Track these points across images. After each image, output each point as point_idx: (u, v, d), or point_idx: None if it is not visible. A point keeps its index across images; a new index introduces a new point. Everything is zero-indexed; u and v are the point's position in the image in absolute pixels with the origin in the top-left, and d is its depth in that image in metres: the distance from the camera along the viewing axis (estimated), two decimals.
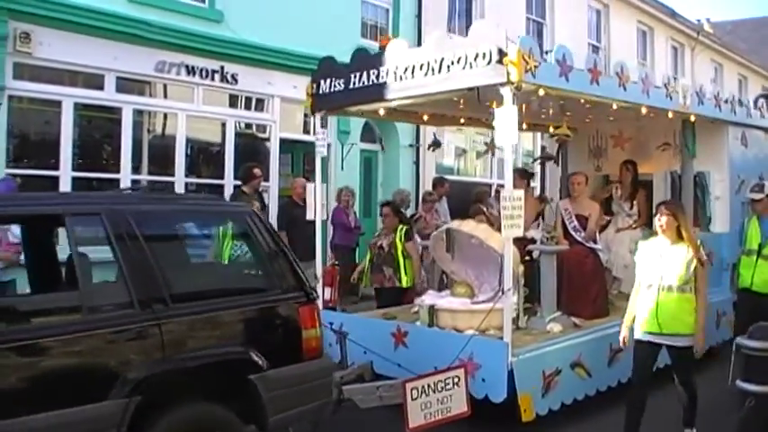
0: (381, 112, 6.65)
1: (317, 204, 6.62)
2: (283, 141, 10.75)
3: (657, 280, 4.95)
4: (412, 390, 4.66)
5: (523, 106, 7.09)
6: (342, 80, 6.27)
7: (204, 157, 10.03)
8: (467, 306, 6.02)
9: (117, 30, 8.48)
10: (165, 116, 9.55)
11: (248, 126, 10.63)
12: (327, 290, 6.72)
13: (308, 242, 6.87)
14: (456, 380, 4.88)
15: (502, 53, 5.00)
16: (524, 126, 8.01)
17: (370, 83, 6.00)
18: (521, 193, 5.14)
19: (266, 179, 9.75)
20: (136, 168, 9.02)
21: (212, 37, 9.62)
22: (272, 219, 8.96)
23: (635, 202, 7.97)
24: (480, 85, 5.23)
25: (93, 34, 8.31)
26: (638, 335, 5.04)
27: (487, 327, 5.93)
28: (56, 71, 8.16)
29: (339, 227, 9.57)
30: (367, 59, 6.10)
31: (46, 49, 7.92)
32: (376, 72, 5.93)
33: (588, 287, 6.51)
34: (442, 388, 4.81)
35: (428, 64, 5.50)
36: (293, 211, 8.29)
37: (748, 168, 8.08)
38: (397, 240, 7.53)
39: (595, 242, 6.94)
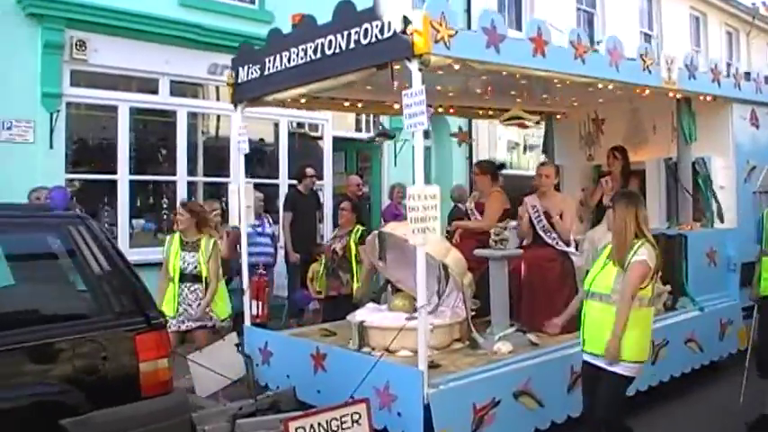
0: (304, 100, 5.85)
1: (241, 208, 5.85)
2: (336, 139, 10.70)
3: (587, 286, 4.18)
4: (297, 429, 3.86)
5: (488, 89, 6.25)
6: (258, 66, 5.51)
7: (258, 157, 10.00)
8: (400, 323, 5.16)
9: (169, 34, 8.52)
10: (219, 118, 9.59)
11: (300, 125, 10.57)
12: (255, 303, 5.96)
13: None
14: (356, 417, 4.07)
15: (406, 21, 4.12)
16: (490, 113, 7.12)
17: (283, 67, 5.22)
18: (435, 189, 4.25)
19: (320, 178, 9.78)
20: (191, 170, 9.13)
21: (263, 38, 9.13)
22: (328, 217, 9.22)
23: None
24: (387, 62, 4.36)
25: (145, 39, 8.36)
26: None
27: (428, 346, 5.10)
28: (111, 77, 8.31)
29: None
30: (280, 41, 5.30)
31: (101, 56, 8.04)
32: (288, 54, 5.15)
33: (553, 297, 5.54)
34: (338, 427, 4.00)
35: (335, 40, 4.68)
36: None
37: (760, 152, 6.95)
38: (351, 243, 6.75)
39: (569, 244, 5.96)
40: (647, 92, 5.87)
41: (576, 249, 6.84)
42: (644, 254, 3.95)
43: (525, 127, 6.08)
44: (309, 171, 8.30)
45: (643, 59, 5.53)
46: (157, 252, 7.05)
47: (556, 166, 6.00)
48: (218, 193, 9.08)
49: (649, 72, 5.59)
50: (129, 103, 8.43)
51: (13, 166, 7.18)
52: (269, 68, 5.38)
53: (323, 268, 7.05)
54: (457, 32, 4.24)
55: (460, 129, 6.50)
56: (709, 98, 6.38)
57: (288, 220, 8.13)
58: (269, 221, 8.02)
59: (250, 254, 6.46)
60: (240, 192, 5.89)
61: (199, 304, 5.74)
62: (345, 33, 4.58)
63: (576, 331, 5.48)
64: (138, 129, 8.74)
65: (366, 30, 4.42)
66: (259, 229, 7.63)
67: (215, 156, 9.51)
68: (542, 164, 6.07)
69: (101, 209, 8.49)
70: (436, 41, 4.13)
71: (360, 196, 8.94)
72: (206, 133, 9.60)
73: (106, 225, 8.11)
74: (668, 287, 6.23)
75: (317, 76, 4.93)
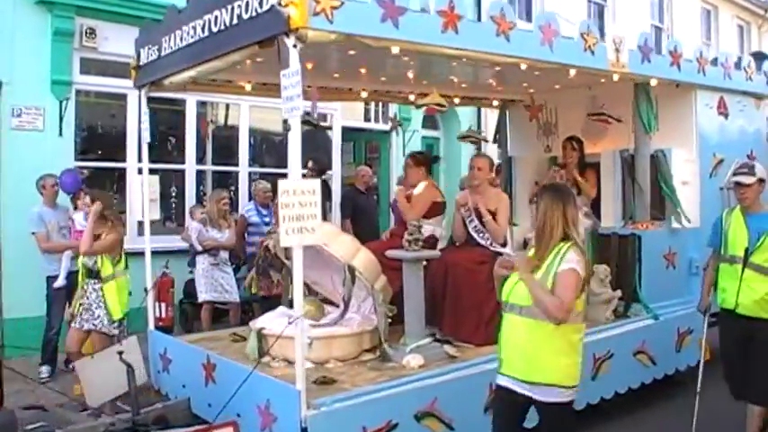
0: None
1: (145, 200, 5.34)
2: (345, 130, 10.60)
3: (505, 296, 3.50)
4: None
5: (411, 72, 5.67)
6: (156, 47, 5.00)
7: (267, 146, 10.09)
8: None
9: None
10: (228, 107, 9.51)
11: (309, 115, 9.99)
12: (159, 305, 5.45)
13: (373, 229, 7.28)
14: None
15: None
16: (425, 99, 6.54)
17: (176, 47, 4.71)
18: (314, 184, 3.71)
19: (329, 167, 9.76)
20: (200, 159, 9.12)
21: None
22: (336, 207, 9.08)
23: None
24: (267, 39, 3.81)
25: None
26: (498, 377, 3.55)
27: (327, 358, 4.59)
28: (120, 65, 7.80)
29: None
30: (175, 18, 4.78)
31: (110, 44, 7.86)
32: (180, 33, 4.63)
33: (481, 304, 4.99)
34: None
35: (221, 16, 4.15)
36: (357, 199, 8.51)
37: (730, 145, 6.33)
38: None
39: (505, 245, 5.39)
40: (609, 77, 5.33)
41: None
42: (572, 260, 3.24)
43: (441, 109, 5.49)
44: (309, 164, 7.91)
45: (584, 38, 4.93)
46: (166, 240, 7.38)
47: (489, 159, 5.42)
48: (226, 181, 9.25)
49: (592, 53, 5.00)
50: (138, 92, 8.04)
51: (23, 153, 7.18)
52: (164, 49, 4.87)
53: (255, 267, 6.58)
54: (342, 4, 3.68)
55: (395, 116, 5.90)
56: (654, 82, 5.75)
57: None
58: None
59: (257, 244, 6.90)
60: (144, 183, 5.38)
61: (99, 304, 5.30)
62: (229, 8, 4.06)
63: None
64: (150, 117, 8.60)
65: (248, 3, 3.88)
66: (267, 219, 7.53)
67: (224, 145, 9.53)
68: (475, 155, 5.50)
69: (110, 197, 8.00)
70: (316, 14, 3.60)
71: (369, 187, 8.88)
72: (215, 122, 9.57)
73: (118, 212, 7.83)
74: (618, 293, 5.65)
75: (205, 56, 4.41)
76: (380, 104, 10.60)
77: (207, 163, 9.23)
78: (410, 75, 5.44)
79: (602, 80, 6.02)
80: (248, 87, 5.95)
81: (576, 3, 13.85)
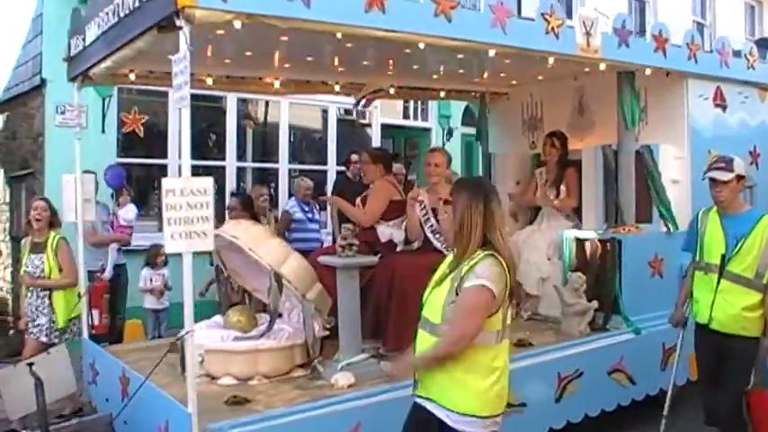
0: (132, 77, 4.95)
1: (78, 200, 4.98)
2: (384, 127, 10.69)
3: (421, 309, 3.04)
4: None
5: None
6: (82, 36, 4.65)
7: (307, 143, 10.27)
8: (218, 345, 4.24)
9: None
10: (268, 104, 9.60)
11: (348, 112, 10.43)
12: (95, 313, 5.10)
13: None
14: None
15: None
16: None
17: (96, 37, 4.34)
18: (205, 182, 3.28)
19: None
20: (240, 156, 9.26)
21: None
22: None
23: (562, 188, 5.82)
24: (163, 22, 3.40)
25: None
26: None
27: (252, 374, 4.16)
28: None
29: None
30: (95, 3, 4.40)
31: None
32: (98, 20, 4.27)
33: None
34: None
35: (123, 2, 3.77)
36: (345, 187, 8.07)
37: (728, 140, 5.69)
38: None
39: None
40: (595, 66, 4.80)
41: None
42: (483, 274, 2.74)
43: (380, 94, 4.99)
44: (354, 157, 8.01)
45: (546, 20, 4.40)
46: None
47: (446, 154, 4.91)
48: (266, 178, 9.39)
49: (556, 36, 4.46)
50: (414, 98, 8.61)
51: (68, 149, 6.75)
52: (87, 38, 4.52)
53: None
54: None
55: (348, 112, 5.45)
56: (648, 72, 5.18)
57: (335, 206, 7.97)
58: (316, 208, 7.83)
59: (301, 240, 6.97)
60: (78, 182, 5.03)
61: (42, 311, 5.13)
62: None
63: None
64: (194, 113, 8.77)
65: None
66: (310, 215, 7.57)
67: (264, 142, 9.69)
68: (432, 150, 5.00)
69: (152, 193, 8.71)
70: None
71: (358, 176, 8.59)
72: (255, 119, 9.65)
73: (156, 209, 8.30)
74: (595, 303, 5.09)
75: (115, 44, 4.02)
76: (419, 102, 10.52)
77: (247, 160, 9.40)
78: (336, 61, 4.95)
79: (587, 69, 5.50)
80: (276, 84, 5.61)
81: (617, 0, 13.31)
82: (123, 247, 6.85)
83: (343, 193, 7.63)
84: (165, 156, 8.48)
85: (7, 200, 9.53)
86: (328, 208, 8.38)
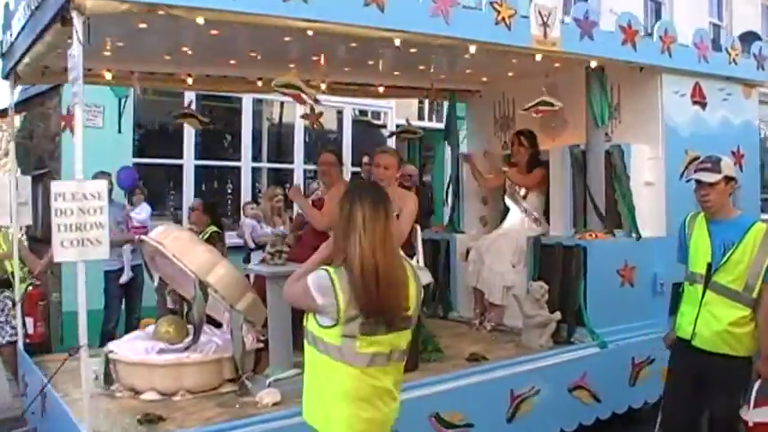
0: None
1: (12, 203, 4.74)
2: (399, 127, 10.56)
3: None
4: None
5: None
6: (10, 31, 4.41)
7: (322, 144, 9.94)
8: (141, 357, 3.96)
9: None
10: (283, 105, 9.58)
11: (363, 113, 10.56)
12: (29, 321, 4.85)
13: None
14: None
15: None
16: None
17: (17, 32, 4.10)
18: (100, 186, 3.02)
19: None
20: (256, 156, 9.25)
21: None
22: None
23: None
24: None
25: None
26: None
27: (177, 389, 3.88)
28: None
29: None
30: None
31: None
32: (19, 14, 4.03)
33: None
34: None
35: None
36: None
37: (708, 139, 5.31)
38: None
39: (412, 255, 4.57)
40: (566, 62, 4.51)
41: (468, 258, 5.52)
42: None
43: (302, 102, 4.61)
44: (365, 159, 8.04)
45: (495, 9, 4.07)
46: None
47: (396, 155, 4.60)
48: (281, 179, 9.36)
49: (507, 27, 4.13)
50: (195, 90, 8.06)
51: (84, 149, 6.91)
52: (13, 34, 4.27)
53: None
54: None
55: (312, 110, 5.13)
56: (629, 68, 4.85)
57: None
58: None
59: None
60: (11, 186, 4.78)
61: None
62: None
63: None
64: (203, 115, 8.62)
65: None
66: None
67: (279, 142, 9.66)
68: (379, 151, 4.68)
69: (167, 193, 8.77)
70: None
71: (408, 186, 8.68)
72: (270, 120, 9.67)
73: (171, 209, 8.56)
74: (557, 315, 4.75)
75: (29, 39, 3.77)
76: (435, 102, 10.13)
77: (262, 161, 9.39)
78: (255, 55, 4.62)
79: (557, 65, 5.17)
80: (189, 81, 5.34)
81: (633, 0, 12.93)
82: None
83: None
84: (180, 155, 8.54)
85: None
86: None
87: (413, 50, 4.58)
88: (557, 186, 5.27)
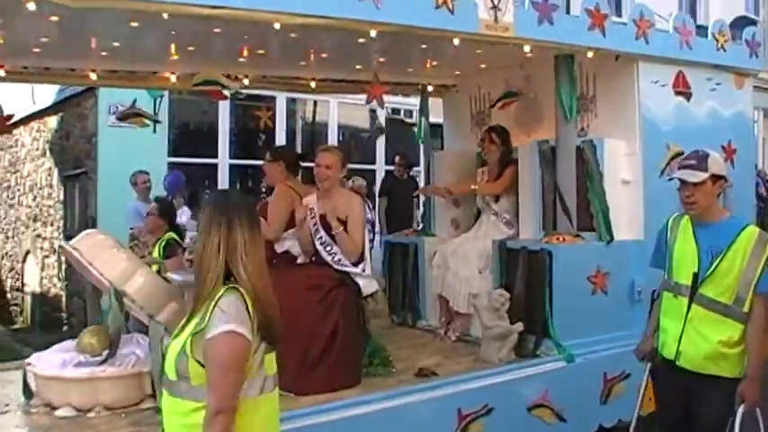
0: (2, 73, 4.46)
1: None
2: (431, 126, 10.55)
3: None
4: None
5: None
6: None
7: (355, 142, 10.36)
8: (56, 371, 3.71)
9: None
10: (316, 103, 9.73)
11: (396, 111, 10.68)
12: None
13: (405, 218, 7.95)
14: None
15: None
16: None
17: None
18: None
19: (416, 164, 9.38)
20: None
21: None
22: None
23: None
24: None
25: None
26: None
27: (92, 405, 3.62)
28: None
29: None
30: None
31: None
32: None
33: (307, 342, 3.86)
34: None
35: None
36: (392, 186, 8.66)
37: (694, 133, 4.87)
38: (156, 253, 5.31)
39: (359, 262, 4.22)
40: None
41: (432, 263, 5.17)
42: (226, 316, 2.07)
43: (223, 97, 4.27)
44: (396, 159, 8.59)
45: None
46: None
47: (339, 153, 4.26)
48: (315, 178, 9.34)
49: (450, 11, 3.76)
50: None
51: (120, 149, 7.36)
52: None
53: None
54: None
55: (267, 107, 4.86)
56: (591, 54, 4.44)
57: (383, 205, 8.40)
58: (369, 207, 7.74)
59: None
60: None
61: None
62: None
63: (341, 388, 3.90)
64: (238, 114, 8.95)
65: None
66: (369, 216, 7.29)
67: (312, 141, 9.69)
68: (322, 149, 4.35)
69: (201, 192, 8.79)
70: None
71: (406, 174, 8.91)
72: (304, 119, 9.79)
73: None
74: (519, 326, 4.35)
75: None
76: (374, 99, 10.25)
77: None
78: (167, 47, 4.30)
79: (528, 54, 4.76)
80: (93, 77, 5.00)
81: None
82: None
83: (392, 192, 8.44)
84: (215, 155, 8.70)
85: (62, 198, 9.75)
86: (376, 207, 8.52)
87: (361, 40, 4.25)
88: (526, 186, 4.88)
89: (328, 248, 4.19)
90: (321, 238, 4.20)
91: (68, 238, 8.73)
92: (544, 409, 4.17)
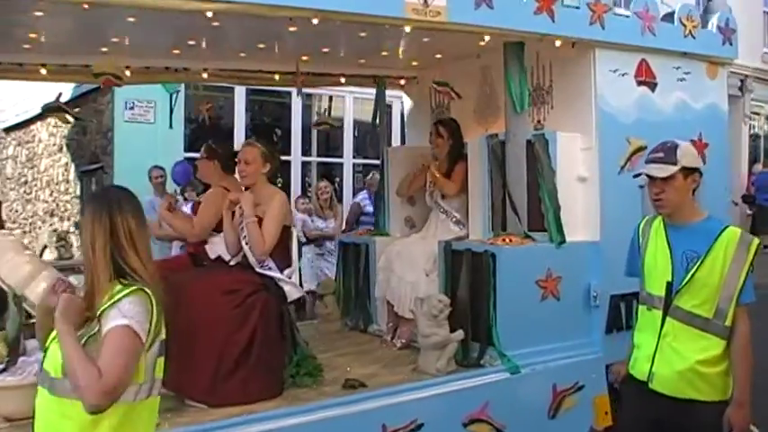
0: None
1: None
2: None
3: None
4: None
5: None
6: None
7: (371, 138, 10.45)
8: None
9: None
10: (331, 98, 9.85)
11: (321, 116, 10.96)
12: None
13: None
14: None
15: None
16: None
17: None
18: None
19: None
20: (306, 151, 9.51)
21: None
22: None
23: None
24: None
25: None
26: None
27: None
28: None
29: None
30: None
31: None
32: None
33: (221, 350, 3.59)
34: None
35: None
36: None
37: (658, 126, 4.49)
38: None
39: (288, 265, 3.95)
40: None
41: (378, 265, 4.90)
42: (124, 313, 2.00)
43: (117, 84, 4.01)
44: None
45: None
46: None
47: (265, 147, 3.97)
48: (330, 173, 9.62)
49: None
50: (245, 85, 8.10)
51: (136, 144, 7.55)
52: None
53: None
54: None
55: (206, 99, 4.62)
56: (540, 41, 4.11)
57: None
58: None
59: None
60: None
61: None
62: None
63: (253, 401, 3.63)
64: (253, 109, 9.10)
65: None
66: (369, 209, 7.53)
67: (328, 136, 9.87)
68: (244, 143, 4.08)
69: None
70: None
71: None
72: (320, 114, 9.75)
73: None
74: (459, 334, 4.05)
75: None
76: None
77: (312, 155, 9.55)
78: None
79: (482, 42, 4.45)
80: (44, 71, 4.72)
81: None
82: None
83: None
84: None
85: (78, 193, 9.90)
86: None
87: (291, 30, 3.96)
88: (476, 183, 4.57)
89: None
90: (246, 237, 3.93)
91: None
92: (482, 425, 3.86)
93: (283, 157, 8.54)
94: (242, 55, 4.82)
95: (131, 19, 3.64)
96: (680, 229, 2.83)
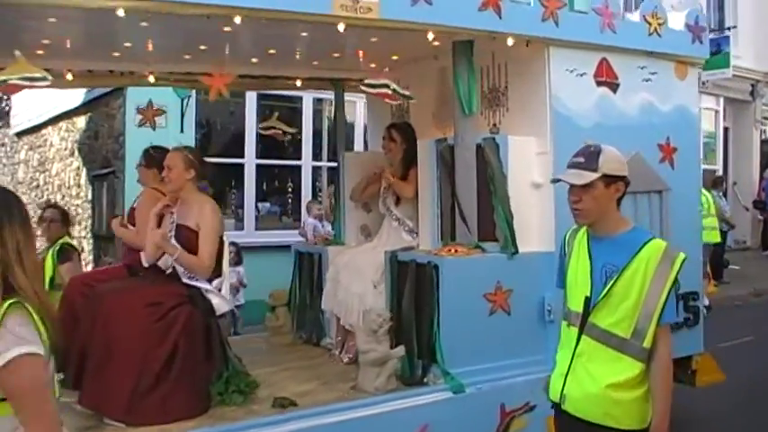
0: None
1: None
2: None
3: None
4: None
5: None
6: None
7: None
8: None
9: None
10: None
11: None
12: None
13: None
14: None
15: None
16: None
17: None
18: None
19: None
20: (316, 155, 9.43)
21: None
22: None
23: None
24: None
25: None
26: None
27: None
28: None
29: None
30: None
31: None
32: None
33: (140, 366, 3.39)
34: None
35: None
36: None
37: (620, 129, 4.25)
38: (49, 259, 4.93)
39: (215, 278, 3.74)
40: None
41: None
42: (15, 337, 1.71)
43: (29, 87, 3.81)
44: None
45: None
46: (282, 235, 8.14)
47: (191, 153, 3.76)
48: None
49: None
50: (256, 89, 7.99)
51: None
52: None
53: None
54: None
55: (150, 103, 4.43)
56: (487, 39, 3.88)
57: None
58: None
59: None
60: None
61: None
62: None
63: (175, 420, 3.42)
64: (264, 114, 8.83)
65: None
66: None
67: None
68: (172, 149, 3.87)
69: (228, 192, 9.00)
70: None
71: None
72: (331, 119, 9.53)
73: (233, 207, 8.96)
74: (399, 350, 3.81)
75: None
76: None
77: (322, 159, 9.43)
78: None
79: (436, 43, 4.22)
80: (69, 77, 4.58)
81: None
82: None
83: None
84: (242, 155, 8.76)
85: (89, 197, 9.77)
86: None
87: (226, 28, 3.75)
88: (425, 189, 4.33)
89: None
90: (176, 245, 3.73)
91: (96, 237, 9.14)
92: None
93: (294, 162, 9.22)
94: (186, 57, 4.63)
95: (52, 18, 3.46)
96: (602, 241, 2.59)
